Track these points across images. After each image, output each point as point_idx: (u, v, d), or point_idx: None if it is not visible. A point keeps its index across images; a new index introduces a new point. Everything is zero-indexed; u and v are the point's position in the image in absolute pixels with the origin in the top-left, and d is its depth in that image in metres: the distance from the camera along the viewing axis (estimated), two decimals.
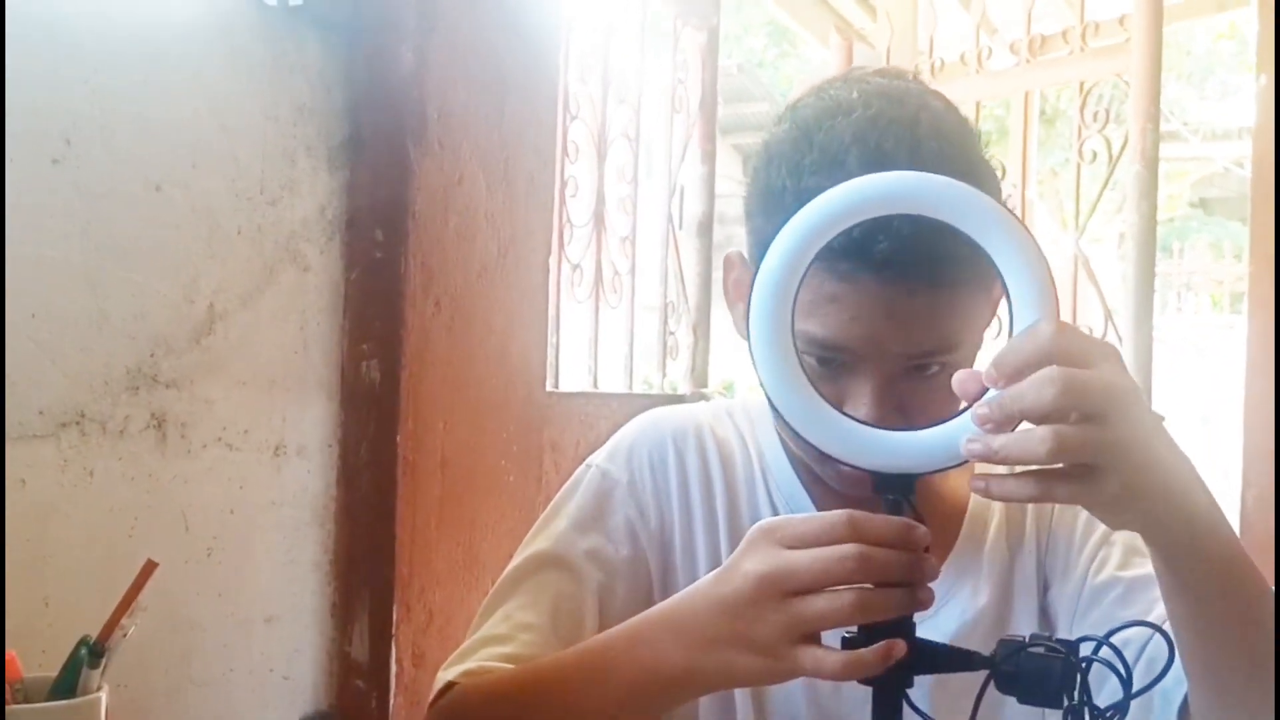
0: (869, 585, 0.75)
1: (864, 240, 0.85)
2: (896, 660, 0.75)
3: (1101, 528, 1.06)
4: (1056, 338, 0.72)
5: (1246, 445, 3.25)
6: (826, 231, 0.79)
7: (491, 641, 0.99)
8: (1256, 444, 3.20)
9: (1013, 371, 0.72)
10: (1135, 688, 0.85)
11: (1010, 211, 0.76)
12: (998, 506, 1.09)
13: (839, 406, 0.80)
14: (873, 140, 0.90)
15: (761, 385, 0.79)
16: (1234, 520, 3.36)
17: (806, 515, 0.78)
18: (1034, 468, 0.73)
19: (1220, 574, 0.82)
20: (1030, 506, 1.09)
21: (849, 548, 0.74)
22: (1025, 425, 0.73)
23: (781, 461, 1.08)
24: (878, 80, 0.98)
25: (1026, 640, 0.77)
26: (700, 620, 0.80)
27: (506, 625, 0.99)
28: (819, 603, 0.75)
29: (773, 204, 0.93)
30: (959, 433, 0.75)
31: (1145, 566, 0.97)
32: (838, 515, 0.76)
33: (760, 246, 0.96)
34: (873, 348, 0.91)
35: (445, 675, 0.97)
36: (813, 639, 0.76)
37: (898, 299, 0.88)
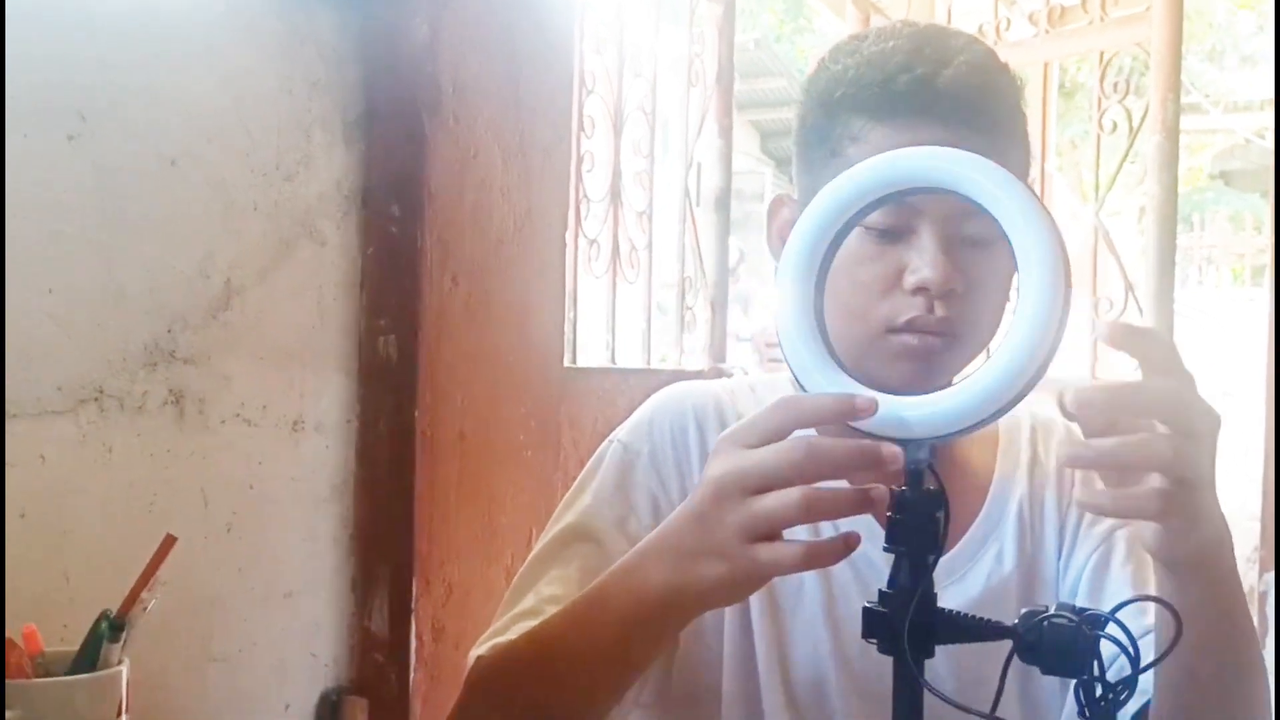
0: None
1: (921, 89, 0.93)
2: (853, 551, 0.75)
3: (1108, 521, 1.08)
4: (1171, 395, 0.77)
5: (1269, 418, 3.23)
6: (854, 204, 0.80)
7: (522, 617, 0.99)
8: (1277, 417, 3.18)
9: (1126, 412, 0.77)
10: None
11: (1029, 188, 0.75)
12: (1022, 480, 1.10)
13: (853, 374, 0.80)
14: (920, 27, 1.01)
15: (782, 351, 0.80)
16: (1256, 494, 3.34)
17: (758, 412, 0.78)
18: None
19: (1225, 608, 0.86)
20: (1051, 485, 1.10)
21: (799, 440, 0.75)
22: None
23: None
24: None
25: (1049, 610, 0.77)
26: (676, 536, 0.81)
27: (535, 600, 1.00)
28: (769, 499, 0.75)
29: (834, 85, 1.00)
30: (973, 396, 0.74)
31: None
32: (775, 403, 0.77)
33: (818, 137, 1.01)
34: (934, 199, 0.90)
35: (478, 651, 0.98)
36: (772, 538, 0.76)
37: (957, 142, 0.86)
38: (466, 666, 0.99)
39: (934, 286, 0.93)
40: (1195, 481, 0.76)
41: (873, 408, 0.75)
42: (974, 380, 0.74)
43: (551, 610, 0.98)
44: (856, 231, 0.94)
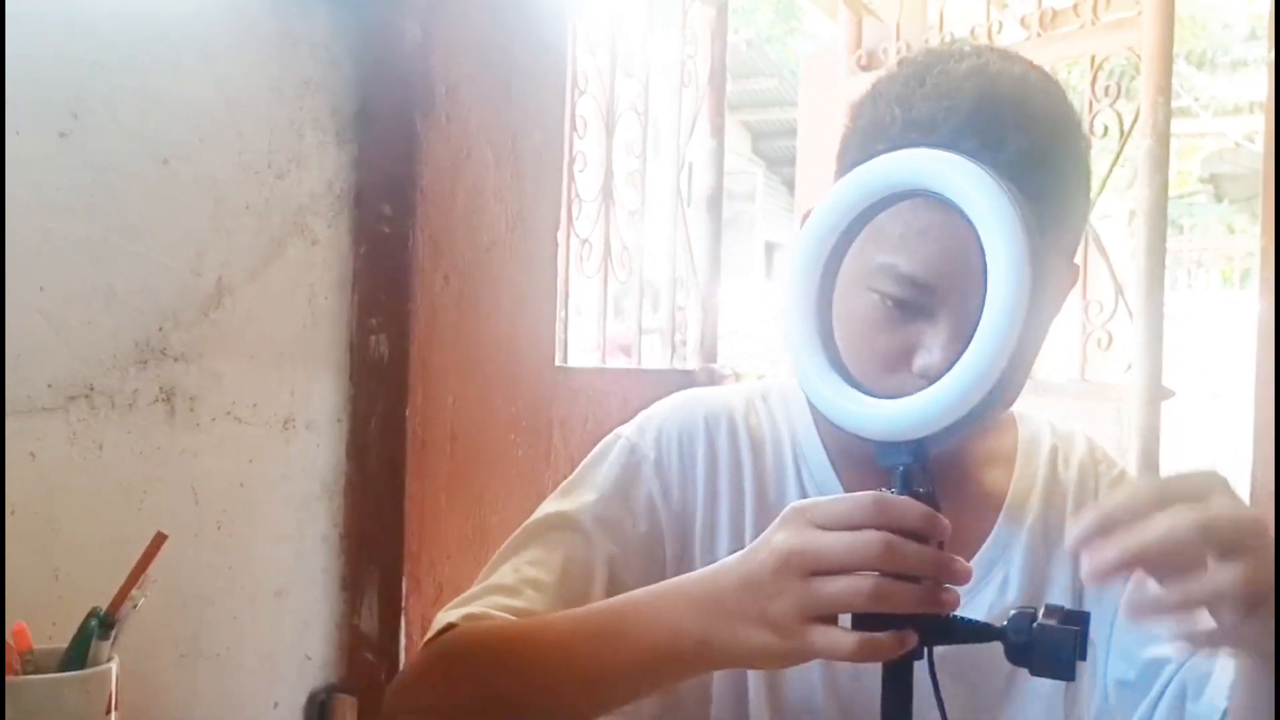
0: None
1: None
2: (906, 650, 0.75)
3: None
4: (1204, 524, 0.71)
5: (1257, 421, 3.24)
6: (861, 203, 0.80)
7: (498, 591, 0.98)
8: (1265, 421, 3.18)
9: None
10: (1166, 704, 0.92)
11: (1006, 192, 0.75)
12: (1037, 501, 1.08)
13: (847, 373, 0.81)
14: (985, 83, 0.91)
15: (788, 345, 0.81)
16: (1244, 496, 3.35)
17: (837, 496, 0.78)
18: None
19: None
20: (1071, 505, 1.08)
21: (877, 534, 0.74)
22: None
23: (816, 446, 1.08)
24: (985, 46, 1.00)
25: (1038, 611, 0.77)
26: (722, 594, 0.80)
27: (514, 578, 0.99)
28: (838, 584, 0.75)
29: (876, 135, 0.94)
30: (943, 399, 0.74)
31: None
32: (865, 496, 0.76)
33: None
34: (955, 284, 0.89)
35: (446, 616, 0.97)
36: (829, 620, 0.76)
37: None
38: (433, 627, 0.98)
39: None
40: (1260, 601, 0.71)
41: (948, 532, 0.76)
42: (943, 384, 0.75)
43: (531, 594, 0.97)
44: (875, 298, 0.92)
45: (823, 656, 0.77)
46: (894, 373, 0.93)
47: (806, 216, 1.07)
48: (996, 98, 0.90)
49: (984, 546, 1.06)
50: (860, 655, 0.75)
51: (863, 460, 1.02)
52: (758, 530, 1.05)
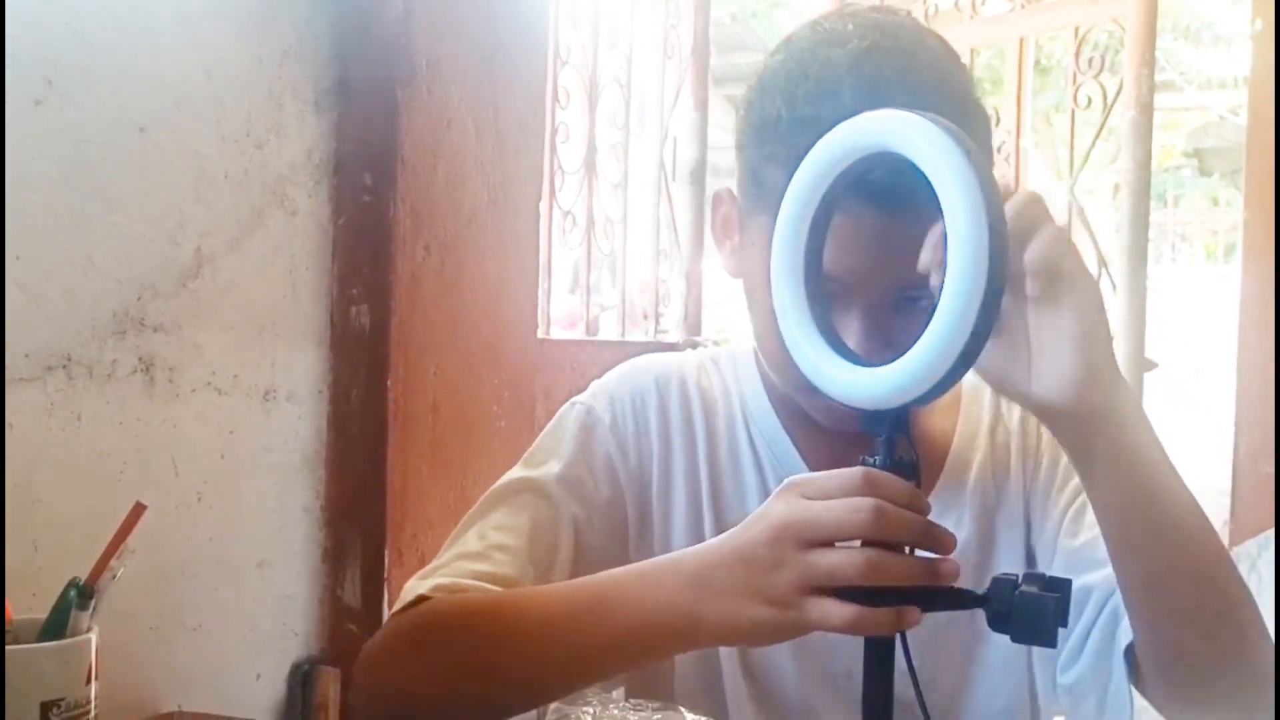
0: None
1: (860, 170, 0.83)
2: (906, 626, 0.75)
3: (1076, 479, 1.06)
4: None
5: (1240, 397, 3.25)
6: (835, 168, 0.80)
7: (465, 558, 0.98)
8: (1250, 395, 3.19)
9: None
10: (1098, 635, 0.94)
11: (966, 152, 0.74)
12: (982, 445, 1.09)
13: (838, 342, 0.80)
14: (869, 70, 0.90)
15: (778, 314, 0.81)
16: (1226, 472, 3.36)
17: (830, 472, 0.78)
18: None
19: (1134, 462, 0.83)
20: (1015, 445, 1.09)
21: (866, 500, 0.74)
22: None
23: (764, 405, 1.09)
24: (873, 15, 0.98)
25: (1019, 578, 0.77)
26: (716, 569, 0.80)
27: (482, 544, 0.99)
28: (834, 556, 0.75)
29: (766, 133, 0.94)
30: (929, 362, 0.74)
31: None
32: (854, 471, 0.76)
33: (751, 177, 0.97)
34: (861, 278, 0.91)
35: (418, 587, 0.96)
36: (824, 592, 0.76)
37: (888, 228, 0.87)
38: (403, 598, 0.97)
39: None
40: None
41: (950, 542, 0.76)
42: (911, 356, 0.74)
43: (499, 557, 0.97)
44: None
45: (818, 629, 0.77)
46: None
47: (717, 198, 1.07)
48: (878, 88, 0.88)
49: (934, 491, 1.06)
50: (856, 628, 0.75)
51: (809, 420, 1.03)
52: (712, 488, 1.06)
